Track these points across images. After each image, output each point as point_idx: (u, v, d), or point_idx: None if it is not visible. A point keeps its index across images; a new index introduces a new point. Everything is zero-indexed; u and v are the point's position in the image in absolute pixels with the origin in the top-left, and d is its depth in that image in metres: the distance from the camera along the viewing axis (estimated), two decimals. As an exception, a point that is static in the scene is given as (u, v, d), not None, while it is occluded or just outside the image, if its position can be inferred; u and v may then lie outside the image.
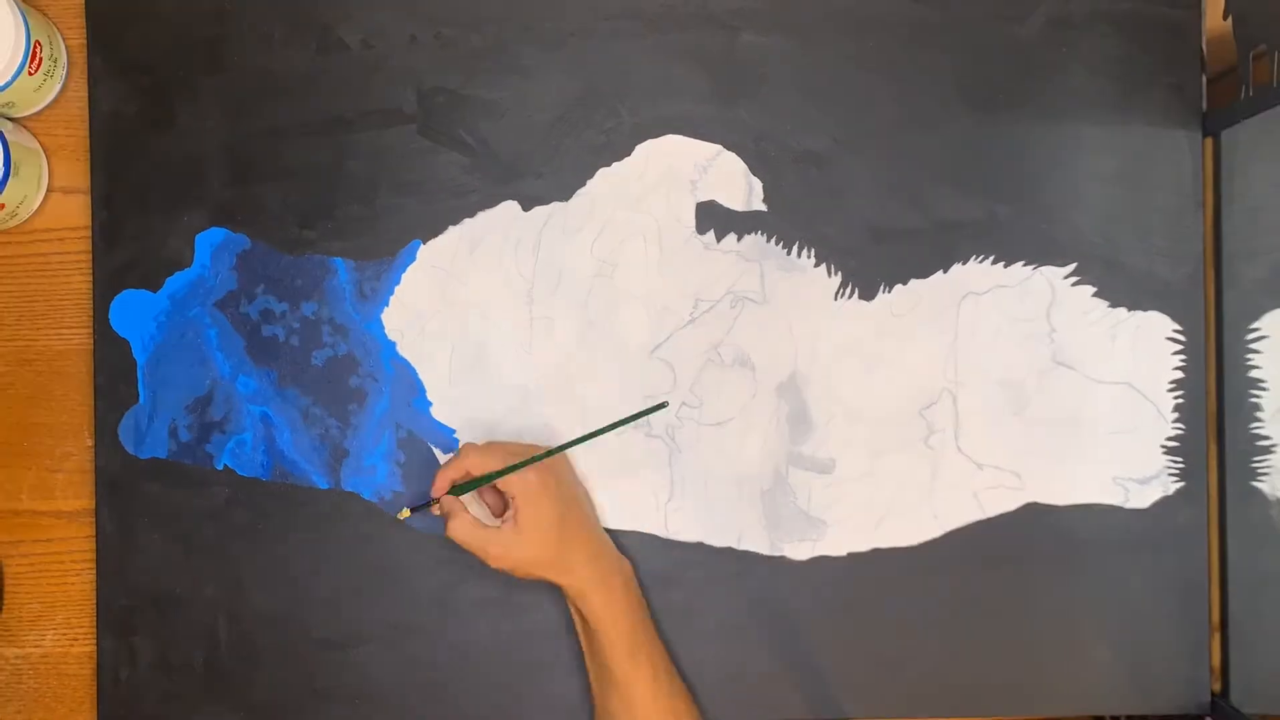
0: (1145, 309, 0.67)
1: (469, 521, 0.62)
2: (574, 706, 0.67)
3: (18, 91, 0.66)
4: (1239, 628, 0.67)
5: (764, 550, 0.67)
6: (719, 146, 0.68)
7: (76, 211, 0.70)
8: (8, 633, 0.70)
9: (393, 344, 0.68)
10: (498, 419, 0.68)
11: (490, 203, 0.68)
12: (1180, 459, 0.67)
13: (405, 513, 0.64)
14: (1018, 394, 0.67)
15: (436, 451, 0.68)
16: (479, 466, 0.62)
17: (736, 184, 0.68)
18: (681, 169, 0.68)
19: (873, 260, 0.68)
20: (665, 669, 0.63)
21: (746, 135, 0.68)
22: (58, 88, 0.70)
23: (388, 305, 0.68)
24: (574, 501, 0.64)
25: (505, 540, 0.61)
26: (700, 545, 0.68)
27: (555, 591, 0.65)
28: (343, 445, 0.68)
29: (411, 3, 0.68)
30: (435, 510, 0.63)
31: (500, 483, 0.62)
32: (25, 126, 0.70)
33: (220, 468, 0.68)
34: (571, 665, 0.67)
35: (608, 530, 0.67)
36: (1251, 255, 0.67)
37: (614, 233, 0.68)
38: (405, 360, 0.68)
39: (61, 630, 0.70)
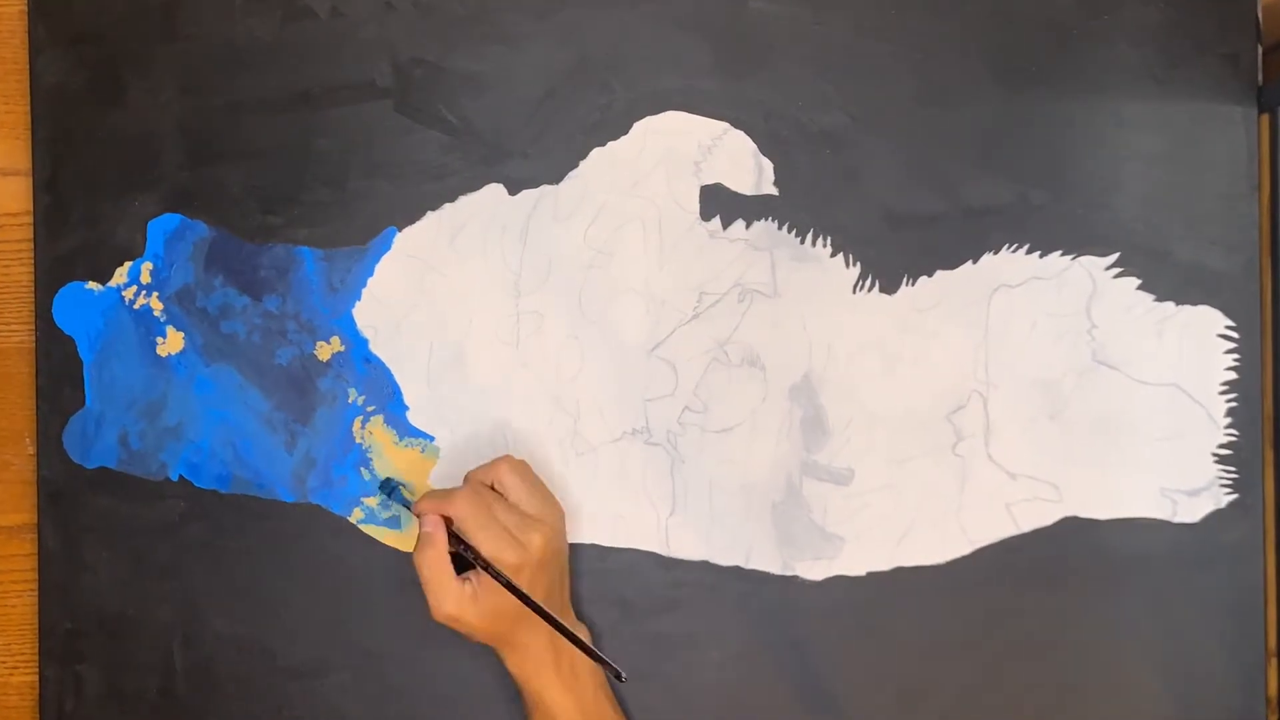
0: (1195, 303, 0.64)
1: (442, 559, 0.57)
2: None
3: (-51, 62, 0.63)
4: (1297, 654, 0.64)
5: (775, 569, 0.65)
6: (725, 124, 0.65)
7: (17, 196, 0.66)
8: (-58, 660, 0.66)
9: (365, 341, 0.65)
10: (480, 424, 0.65)
11: (473, 186, 0.65)
12: (1233, 468, 0.64)
13: (373, 500, 0.62)
14: (1054, 396, 0.64)
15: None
16: (510, 486, 0.59)
17: (745, 165, 0.65)
18: (683, 149, 0.65)
19: (895, 249, 0.65)
20: None
21: (755, 112, 0.65)
22: (-5, 59, 0.66)
23: (360, 299, 0.65)
24: (551, 585, 0.59)
25: (461, 604, 0.57)
26: (705, 564, 0.65)
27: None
28: (310, 454, 0.65)
29: (386, -35, 0.65)
30: (415, 515, 0.59)
31: (476, 545, 0.57)
32: (-40, 102, 0.66)
33: (175, 478, 0.65)
34: (562, 697, 0.64)
35: (598, 548, 0.64)
36: (1313, 244, 0.63)
37: (609, 219, 0.65)
38: (379, 359, 0.65)
39: (0, 658, 0.66)
